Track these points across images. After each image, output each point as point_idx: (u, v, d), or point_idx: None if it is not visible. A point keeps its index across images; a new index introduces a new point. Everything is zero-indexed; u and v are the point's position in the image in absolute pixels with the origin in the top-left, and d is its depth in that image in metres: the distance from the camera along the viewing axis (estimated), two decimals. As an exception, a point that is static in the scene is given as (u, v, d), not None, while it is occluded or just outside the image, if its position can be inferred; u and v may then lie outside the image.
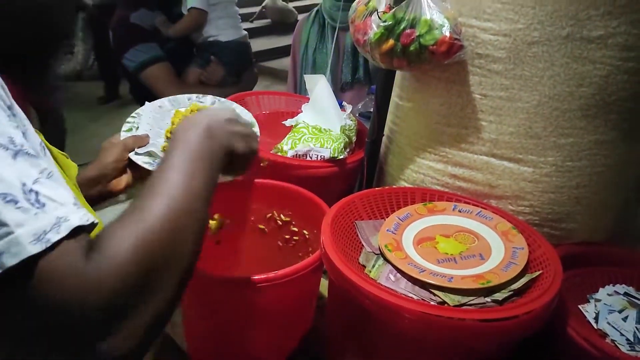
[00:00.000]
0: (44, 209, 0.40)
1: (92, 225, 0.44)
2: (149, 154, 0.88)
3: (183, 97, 1.02)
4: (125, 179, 0.89)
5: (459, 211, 0.88)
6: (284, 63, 4.72)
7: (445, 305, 0.70)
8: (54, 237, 0.40)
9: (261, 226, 1.05)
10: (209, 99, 1.03)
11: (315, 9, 1.76)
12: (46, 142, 0.61)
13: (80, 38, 3.64)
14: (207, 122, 0.61)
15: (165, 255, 0.47)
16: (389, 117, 1.05)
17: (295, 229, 1.01)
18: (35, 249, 0.39)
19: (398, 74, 1.01)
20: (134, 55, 1.75)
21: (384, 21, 0.82)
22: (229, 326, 0.85)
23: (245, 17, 7.10)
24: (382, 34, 0.83)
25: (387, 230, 0.84)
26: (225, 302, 0.81)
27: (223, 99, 1.04)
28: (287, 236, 1.03)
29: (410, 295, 0.72)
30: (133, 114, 0.96)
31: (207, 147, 0.59)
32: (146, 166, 0.85)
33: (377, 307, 0.66)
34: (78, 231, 0.42)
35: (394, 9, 0.83)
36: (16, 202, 0.39)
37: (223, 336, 0.87)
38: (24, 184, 0.40)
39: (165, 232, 0.47)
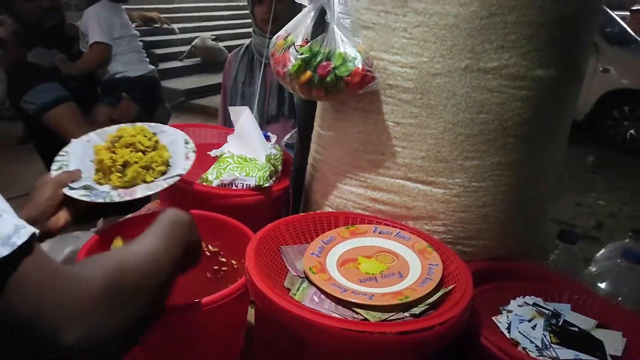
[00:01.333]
0: (2, 218, 0.45)
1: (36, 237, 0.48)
2: (85, 187, 0.86)
3: (111, 129, 1.00)
4: (63, 217, 0.86)
5: (380, 233, 0.92)
6: (214, 101, 4.74)
7: (368, 322, 0.73)
8: (18, 241, 0.44)
9: (188, 258, 1.04)
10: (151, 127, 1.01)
11: (246, 44, 1.81)
12: None
13: None
14: (189, 219, 0.74)
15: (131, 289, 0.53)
16: (313, 146, 1.09)
17: (224, 260, 1.01)
18: (5, 251, 0.43)
19: (319, 105, 1.06)
20: (34, 97, 1.60)
21: (301, 54, 0.87)
22: (164, 354, 0.83)
23: (175, 56, 7.11)
24: (299, 66, 0.88)
25: (312, 253, 0.86)
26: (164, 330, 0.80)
27: (157, 125, 1.03)
28: (215, 267, 1.03)
29: (335, 314, 0.74)
30: (61, 152, 0.94)
31: (184, 237, 0.71)
32: (83, 198, 0.84)
33: (302, 327, 0.68)
34: (33, 238, 0.46)
35: (310, 43, 0.88)
36: None
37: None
38: None
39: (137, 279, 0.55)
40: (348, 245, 0.90)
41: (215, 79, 4.99)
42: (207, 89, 5.60)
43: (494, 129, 0.88)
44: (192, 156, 0.95)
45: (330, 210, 1.04)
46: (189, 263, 0.75)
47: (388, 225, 0.94)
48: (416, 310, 0.75)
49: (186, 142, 0.99)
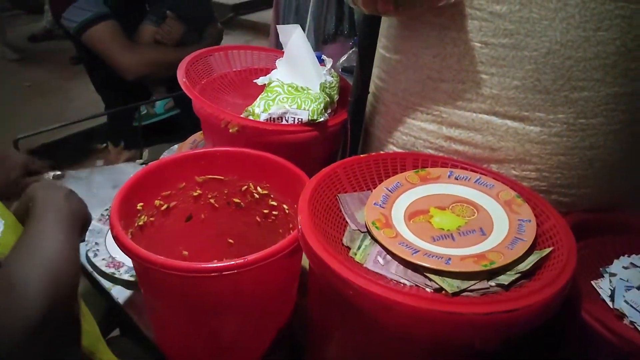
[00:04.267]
0: None
1: None
2: None
3: None
4: None
5: (456, 178, 0.77)
6: (266, 16, 4.49)
7: (443, 292, 0.60)
8: None
9: (236, 200, 0.94)
10: None
11: None
12: None
13: None
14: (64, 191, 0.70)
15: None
16: (375, 71, 0.92)
17: (274, 203, 0.91)
18: None
19: (384, 21, 0.87)
20: (74, 13, 1.49)
21: (365, -44, 0.69)
22: (198, 317, 0.75)
23: (224, -32, 6.74)
24: (363, -28, 0.70)
25: (375, 203, 0.73)
26: (191, 292, 0.71)
27: None
28: (265, 211, 0.93)
29: (403, 281, 0.62)
30: None
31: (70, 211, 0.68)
32: None
33: (364, 300, 0.56)
34: None
35: (376, -59, 0.69)
36: None
37: (193, 328, 0.77)
38: None
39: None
40: (417, 193, 0.76)
41: (267, -8, 4.70)
42: (258, 2, 5.30)
43: (614, 51, 0.68)
44: None
45: (395, 149, 0.89)
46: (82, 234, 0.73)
47: (466, 169, 0.79)
48: (504, 279, 0.61)
49: None
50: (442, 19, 0.76)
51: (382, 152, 0.89)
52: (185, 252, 0.94)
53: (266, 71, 1.04)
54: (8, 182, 0.82)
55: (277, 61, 1.00)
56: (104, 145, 1.81)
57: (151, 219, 0.86)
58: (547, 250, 0.64)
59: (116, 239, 0.70)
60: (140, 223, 0.83)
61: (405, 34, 0.83)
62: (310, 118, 0.88)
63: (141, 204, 0.83)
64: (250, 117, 0.90)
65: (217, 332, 0.76)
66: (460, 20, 0.74)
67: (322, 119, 0.89)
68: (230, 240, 0.98)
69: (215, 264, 0.65)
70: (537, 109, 0.73)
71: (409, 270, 0.64)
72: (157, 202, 0.86)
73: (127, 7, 1.59)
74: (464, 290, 0.60)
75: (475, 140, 0.79)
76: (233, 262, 0.66)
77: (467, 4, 0.73)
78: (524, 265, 0.63)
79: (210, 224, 0.95)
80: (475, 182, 0.76)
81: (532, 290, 0.56)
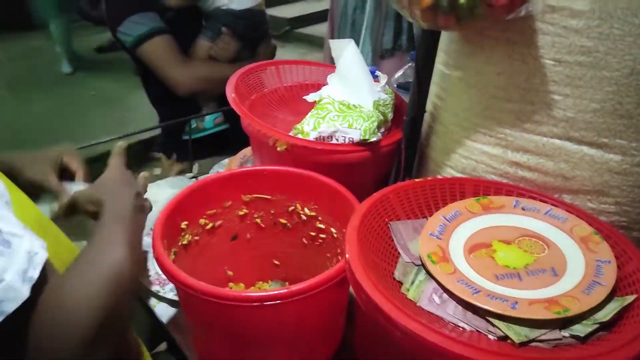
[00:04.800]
0: (12, 248, 0.41)
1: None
2: None
3: None
4: None
5: (522, 209, 0.70)
6: (321, 29, 4.50)
7: (508, 341, 0.53)
8: (35, 274, 0.42)
9: (283, 220, 0.90)
10: None
11: None
12: None
13: None
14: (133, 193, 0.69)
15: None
16: (433, 89, 0.86)
17: (322, 226, 0.86)
18: (26, 289, 0.41)
19: (444, 35, 0.82)
20: (129, 27, 1.51)
21: (427, -33, 0.63)
22: (239, 346, 0.71)
23: (281, -19, 6.84)
24: (423, -16, 0.64)
25: (430, 234, 0.67)
26: (231, 320, 0.68)
27: None
28: (312, 233, 0.88)
29: (461, 324, 0.56)
30: None
31: (138, 221, 0.67)
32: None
33: (416, 346, 0.50)
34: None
35: (439, -50, 0.64)
36: None
37: (234, 357, 0.73)
38: None
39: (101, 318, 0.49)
40: (479, 223, 0.69)
41: (323, 5, 4.71)
42: (314, 15, 5.32)
43: None
44: None
45: (454, 174, 0.82)
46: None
47: (535, 199, 0.71)
48: (580, 330, 0.54)
49: None
50: (509, 34, 0.69)
51: (439, 176, 0.83)
52: (230, 273, 0.91)
53: (318, 87, 1.01)
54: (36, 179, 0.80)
55: (328, 77, 0.96)
56: (160, 154, 1.84)
57: (196, 237, 0.83)
58: (630, 298, 0.56)
59: (157, 260, 0.68)
60: (184, 242, 0.81)
61: (467, 49, 0.77)
62: (362, 138, 0.84)
63: (186, 222, 0.80)
64: (299, 136, 0.86)
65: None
66: (530, 34, 0.68)
67: (374, 139, 0.84)
68: (276, 262, 0.94)
69: (257, 293, 0.61)
70: (618, 135, 0.65)
71: (469, 313, 0.57)
72: (202, 221, 0.84)
73: (183, 22, 1.60)
74: (533, 340, 0.53)
75: (546, 167, 0.71)
76: (276, 292, 0.61)
77: (538, 17, 0.66)
78: (603, 315, 0.55)
79: (256, 244, 0.91)
80: (546, 213, 0.69)
81: (616, 346, 0.49)
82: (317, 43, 4.57)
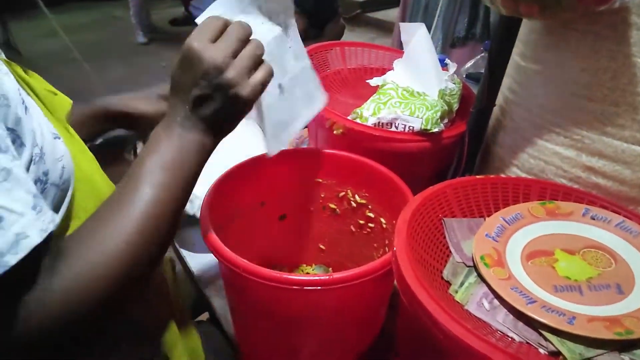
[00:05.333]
0: (1, 225, 0.37)
1: (51, 234, 0.40)
2: None
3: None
4: None
5: (592, 218, 0.64)
6: (392, 14, 4.40)
7: (560, 358, 0.49)
8: (12, 260, 0.37)
9: (332, 205, 0.88)
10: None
11: None
12: (35, 85, 0.54)
13: None
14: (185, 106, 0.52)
15: (125, 277, 0.44)
16: (506, 81, 0.81)
17: (371, 215, 0.83)
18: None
19: (523, 24, 0.76)
20: (201, 2, 1.54)
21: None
22: (278, 329, 0.71)
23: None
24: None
25: (487, 234, 0.63)
26: (272, 301, 0.67)
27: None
28: (361, 221, 0.86)
29: (510, 334, 0.52)
30: None
31: (194, 136, 0.52)
32: None
33: (460, 351, 0.47)
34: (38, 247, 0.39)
35: None
36: None
37: (272, 339, 0.73)
38: None
39: (129, 258, 0.44)
40: (541, 229, 0.64)
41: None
42: (386, 0, 5.22)
43: None
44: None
45: (519, 174, 0.77)
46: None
47: (607, 208, 0.65)
48: (643, 356, 0.49)
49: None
50: (598, 27, 0.63)
51: (502, 175, 0.78)
52: (274, 252, 0.90)
53: (382, 71, 0.97)
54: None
55: (394, 62, 0.93)
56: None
57: (244, 213, 0.83)
58: None
59: (204, 235, 0.67)
60: (231, 218, 0.80)
61: (548, 41, 0.71)
62: (422, 127, 0.80)
63: (234, 198, 0.80)
64: (358, 120, 0.83)
65: (296, 348, 0.71)
66: (622, 29, 0.61)
67: (436, 130, 0.80)
68: (322, 246, 0.93)
69: (299, 277, 0.60)
70: None
71: (520, 323, 0.53)
72: (251, 198, 0.83)
73: None
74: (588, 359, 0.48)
75: (623, 175, 0.65)
76: (318, 278, 0.60)
77: (634, 10, 0.60)
78: (674, 344, 0.49)
79: (303, 227, 0.90)
80: (617, 225, 0.63)
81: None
82: (387, 28, 4.48)
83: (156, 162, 0.49)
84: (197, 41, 0.52)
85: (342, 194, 0.85)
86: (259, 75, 0.53)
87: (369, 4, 5.15)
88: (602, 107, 0.65)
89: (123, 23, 4.77)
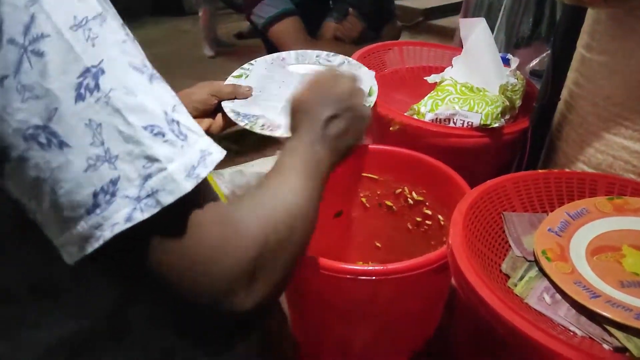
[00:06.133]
0: (187, 141, 0.38)
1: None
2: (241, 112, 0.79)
3: (311, 53, 0.92)
4: (207, 123, 0.81)
5: (664, 214, 0.61)
6: (454, 21, 4.33)
7: (627, 354, 0.47)
8: (203, 172, 0.37)
9: (389, 202, 0.88)
10: (338, 60, 0.91)
11: None
12: None
13: None
14: (325, 116, 0.60)
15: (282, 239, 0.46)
16: (571, 74, 0.78)
17: (429, 212, 0.83)
18: (189, 185, 0.36)
19: (588, 15, 0.73)
20: (262, 10, 1.58)
21: None
22: (331, 319, 0.72)
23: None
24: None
25: (549, 229, 0.61)
26: (325, 290, 0.68)
27: (353, 61, 0.91)
28: (418, 219, 0.85)
29: (572, 329, 0.50)
30: (251, 62, 0.87)
31: (325, 151, 0.60)
32: (229, 113, 0.78)
33: (520, 344, 0.46)
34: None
35: None
36: (163, 134, 0.36)
37: (324, 328, 0.74)
38: (165, 113, 0.37)
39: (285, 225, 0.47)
40: (608, 225, 0.61)
41: (460, -4, 4.52)
42: (449, 7, 5.14)
43: None
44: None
45: (585, 169, 0.74)
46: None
47: (681, 204, 0.61)
48: None
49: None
50: (670, 12, 0.60)
51: (567, 169, 0.75)
52: (330, 249, 0.91)
53: (441, 70, 0.97)
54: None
55: (453, 59, 0.92)
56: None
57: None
58: None
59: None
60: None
61: (614, 31, 0.68)
62: (482, 122, 0.78)
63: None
64: (415, 117, 0.83)
65: (348, 340, 0.72)
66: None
67: (496, 125, 0.79)
68: (378, 244, 0.93)
69: (353, 266, 0.61)
70: None
71: (583, 318, 0.51)
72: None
73: (312, 4, 1.64)
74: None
75: (700, 168, 0.61)
76: (371, 268, 0.60)
77: None
78: None
79: (359, 223, 0.91)
80: (692, 222, 0.59)
81: None
82: (450, 35, 4.41)
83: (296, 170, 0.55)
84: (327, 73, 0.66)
85: (398, 190, 0.85)
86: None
87: (431, 11, 5.10)
88: (675, 96, 0.61)
89: (191, 37, 5.00)
